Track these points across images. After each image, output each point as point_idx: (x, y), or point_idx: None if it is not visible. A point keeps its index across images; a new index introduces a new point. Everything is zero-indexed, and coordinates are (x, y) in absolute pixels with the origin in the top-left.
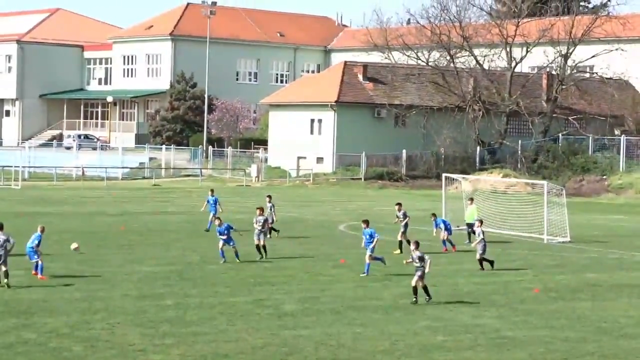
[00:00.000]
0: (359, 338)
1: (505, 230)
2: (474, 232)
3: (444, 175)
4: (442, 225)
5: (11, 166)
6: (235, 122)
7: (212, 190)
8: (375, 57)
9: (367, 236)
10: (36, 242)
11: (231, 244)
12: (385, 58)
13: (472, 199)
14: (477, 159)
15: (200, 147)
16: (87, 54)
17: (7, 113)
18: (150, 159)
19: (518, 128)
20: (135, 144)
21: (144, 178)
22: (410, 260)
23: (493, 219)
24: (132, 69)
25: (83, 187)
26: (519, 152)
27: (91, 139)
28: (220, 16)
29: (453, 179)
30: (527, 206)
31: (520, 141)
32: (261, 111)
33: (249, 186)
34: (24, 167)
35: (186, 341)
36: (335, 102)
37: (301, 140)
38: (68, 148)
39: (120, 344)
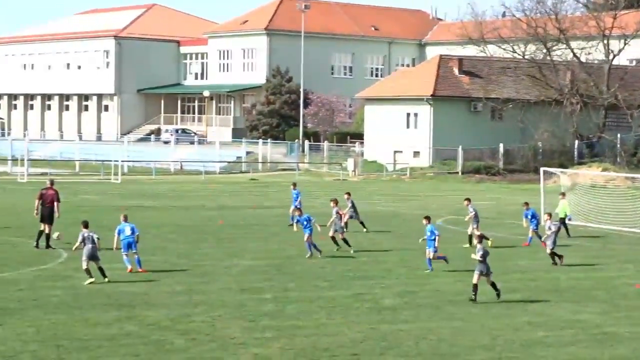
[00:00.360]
0: (459, 333)
1: (605, 224)
2: (566, 227)
3: (542, 169)
4: (529, 217)
5: (111, 160)
6: (331, 116)
7: (294, 184)
8: (470, 51)
9: (429, 233)
10: (137, 233)
11: (307, 232)
12: (481, 51)
13: (563, 194)
14: (576, 153)
15: (296, 141)
16: (183, 49)
17: (106, 108)
18: (247, 153)
19: (617, 121)
20: (232, 138)
21: (241, 172)
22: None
23: (593, 214)
24: (227, 64)
25: (181, 181)
26: (618, 145)
27: (188, 133)
28: (314, 10)
29: (551, 173)
30: (627, 200)
31: (619, 134)
32: (356, 105)
33: (346, 180)
34: (123, 161)
35: (286, 334)
36: (431, 95)
37: (397, 134)
38: (166, 142)
39: (221, 337)
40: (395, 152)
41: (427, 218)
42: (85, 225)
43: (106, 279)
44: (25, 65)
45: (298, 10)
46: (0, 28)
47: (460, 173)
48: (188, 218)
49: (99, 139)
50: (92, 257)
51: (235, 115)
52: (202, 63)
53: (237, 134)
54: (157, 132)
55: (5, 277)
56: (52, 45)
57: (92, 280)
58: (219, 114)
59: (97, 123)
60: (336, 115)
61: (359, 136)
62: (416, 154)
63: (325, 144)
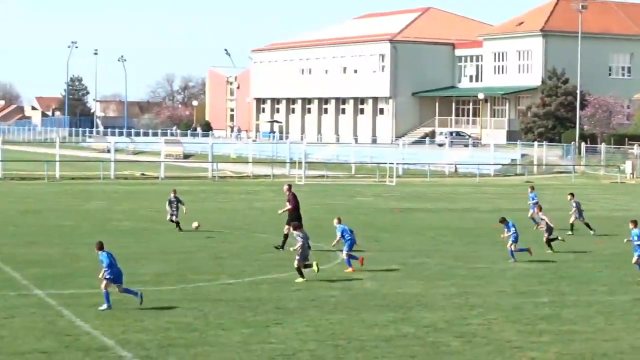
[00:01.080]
0: None
1: None
2: None
3: None
4: None
5: (386, 163)
6: (609, 118)
7: (532, 187)
8: None
9: (636, 237)
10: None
11: (511, 241)
12: None
13: None
14: None
15: (572, 143)
16: (458, 52)
17: (381, 111)
18: (522, 155)
19: None
20: (507, 140)
21: (515, 175)
22: None
23: None
24: (502, 66)
25: (455, 183)
26: None
27: (462, 135)
28: (591, 10)
29: None
30: None
31: None
32: (635, 106)
33: (624, 183)
34: (398, 164)
35: (563, 339)
36: None
37: None
38: (440, 145)
39: (496, 340)
40: None
41: (634, 222)
42: (295, 227)
43: (304, 279)
44: (303, 69)
45: (574, 11)
46: (279, 34)
47: None
48: (463, 220)
49: (374, 141)
50: (305, 257)
51: (510, 117)
52: (477, 65)
53: (512, 136)
54: (432, 134)
55: (283, 278)
56: (329, 49)
57: (313, 270)
58: (494, 117)
59: (373, 126)
60: (614, 117)
61: (637, 138)
62: None
63: (602, 146)
